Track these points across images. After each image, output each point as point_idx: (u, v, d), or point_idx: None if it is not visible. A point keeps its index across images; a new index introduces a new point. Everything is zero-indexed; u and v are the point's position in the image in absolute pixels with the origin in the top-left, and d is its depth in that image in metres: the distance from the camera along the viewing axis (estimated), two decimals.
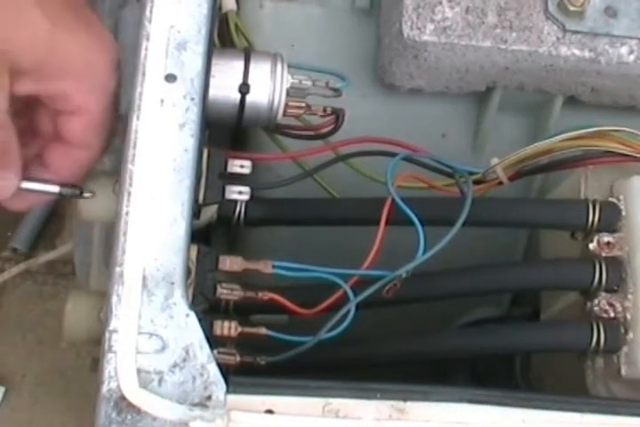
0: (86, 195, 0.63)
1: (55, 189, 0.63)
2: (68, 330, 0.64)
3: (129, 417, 0.54)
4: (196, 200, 0.59)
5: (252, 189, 0.65)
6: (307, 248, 0.71)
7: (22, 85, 0.59)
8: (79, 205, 0.65)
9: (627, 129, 0.69)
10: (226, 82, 0.63)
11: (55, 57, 0.58)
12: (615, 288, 0.67)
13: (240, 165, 0.64)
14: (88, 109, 0.61)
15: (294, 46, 0.79)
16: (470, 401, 0.57)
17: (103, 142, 0.63)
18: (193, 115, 0.59)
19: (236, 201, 0.66)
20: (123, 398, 0.54)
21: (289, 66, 0.64)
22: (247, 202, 0.66)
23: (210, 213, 0.65)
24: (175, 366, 0.55)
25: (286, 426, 0.55)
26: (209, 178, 0.63)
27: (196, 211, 0.59)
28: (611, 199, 0.69)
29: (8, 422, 1.34)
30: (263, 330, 0.62)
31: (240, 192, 0.64)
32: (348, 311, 0.61)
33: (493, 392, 0.58)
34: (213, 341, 0.57)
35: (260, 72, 0.63)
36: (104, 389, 0.54)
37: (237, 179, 0.64)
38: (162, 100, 0.59)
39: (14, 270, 1.40)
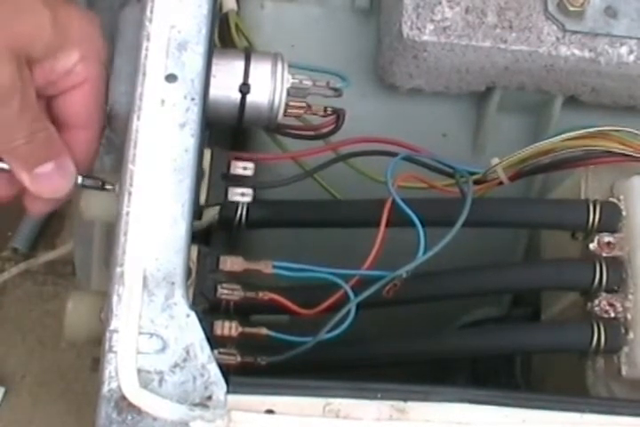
0: (108, 187, 0.63)
1: (77, 180, 0.63)
2: (69, 330, 0.64)
3: (129, 417, 0.54)
4: (196, 200, 0.59)
5: (254, 190, 0.65)
6: (307, 248, 0.71)
7: (38, 74, 0.60)
8: (80, 204, 0.65)
9: (627, 129, 0.69)
10: (226, 82, 0.63)
11: (60, 36, 0.60)
12: (616, 288, 0.67)
13: (243, 167, 0.64)
14: (90, 79, 0.62)
15: (294, 46, 0.79)
16: (470, 401, 0.57)
17: (102, 118, 0.64)
18: (193, 115, 0.59)
19: (237, 203, 0.66)
20: (123, 398, 0.54)
21: (289, 66, 0.64)
22: (249, 204, 0.66)
23: (211, 214, 0.65)
24: (176, 366, 0.55)
25: (287, 426, 0.55)
26: (212, 179, 0.63)
27: (196, 211, 0.59)
28: (611, 199, 0.69)
29: (8, 422, 1.34)
30: (264, 330, 0.62)
31: (243, 194, 0.64)
32: (349, 311, 0.61)
33: (494, 392, 0.58)
34: (214, 341, 0.57)
35: (261, 72, 0.63)
36: (104, 389, 0.54)
37: (239, 180, 0.64)
38: (162, 101, 0.59)
39: (14, 270, 1.40)
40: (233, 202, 0.65)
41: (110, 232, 0.60)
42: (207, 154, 0.63)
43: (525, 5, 0.73)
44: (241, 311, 0.63)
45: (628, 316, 0.66)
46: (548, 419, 0.57)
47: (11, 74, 0.58)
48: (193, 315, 0.56)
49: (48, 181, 0.62)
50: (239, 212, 0.66)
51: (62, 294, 1.39)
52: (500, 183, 0.71)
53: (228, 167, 0.64)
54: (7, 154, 0.61)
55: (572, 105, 0.78)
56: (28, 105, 0.59)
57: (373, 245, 0.63)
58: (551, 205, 0.73)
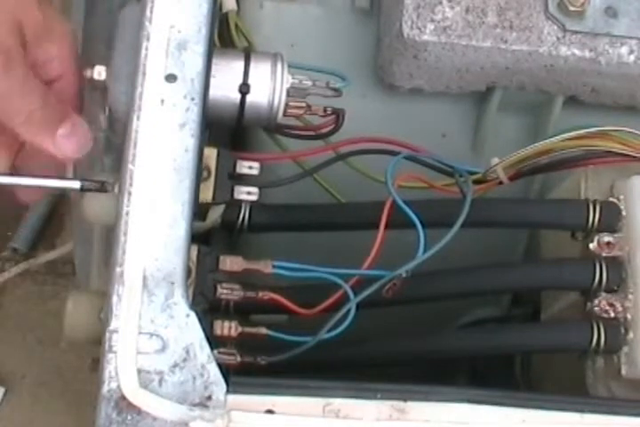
0: (108, 188, 0.63)
1: (76, 184, 0.63)
2: (69, 330, 0.64)
3: (129, 417, 0.54)
4: (196, 200, 0.59)
5: (260, 189, 0.65)
6: (307, 248, 0.71)
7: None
8: (82, 208, 0.65)
9: (627, 129, 0.69)
10: (226, 82, 0.63)
11: (44, 25, 0.63)
12: (615, 288, 0.67)
13: (249, 167, 0.64)
14: (66, 74, 0.64)
15: (294, 46, 0.79)
16: (470, 401, 0.57)
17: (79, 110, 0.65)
18: (193, 115, 0.59)
19: (240, 207, 0.66)
20: (123, 398, 0.54)
21: (289, 66, 0.64)
22: (251, 208, 0.66)
23: (215, 214, 0.65)
24: (175, 366, 0.55)
25: (287, 426, 0.55)
26: (218, 178, 0.63)
27: (197, 211, 0.59)
28: (611, 199, 0.69)
29: (8, 422, 1.34)
30: (263, 330, 0.62)
31: (249, 193, 0.64)
32: (349, 311, 0.61)
33: (493, 392, 0.58)
34: (214, 341, 0.57)
35: (261, 72, 0.63)
36: (104, 389, 0.54)
37: (245, 179, 0.65)
38: (162, 101, 0.59)
39: (14, 270, 1.40)
40: (237, 203, 0.65)
41: (110, 232, 0.60)
42: (213, 153, 0.63)
43: (526, 5, 0.73)
44: (241, 311, 0.63)
45: (628, 316, 0.66)
46: (548, 419, 0.57)
47: (15, 43, 0.60)
48: (193, 315, 0.56)
49: (71, 140, 0.62)
50: (241, 215, 0.66)
51: (62, 293, 1.39)
52: (500, 183, 0.71)
53: (234, 166, 0.64)
54: (25, 124, 0.62)
55: (572, 105, 0.78)
56: (30, 72, 0.61)
57: (373, 245, 0.63)
58: (551, 205, 0.73)
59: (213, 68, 0.62)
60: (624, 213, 0.68)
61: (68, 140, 0.62)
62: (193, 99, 0.59)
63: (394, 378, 0.59)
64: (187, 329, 0.56)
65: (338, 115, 0.67)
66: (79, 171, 0.77)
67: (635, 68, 0.74)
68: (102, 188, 0.63)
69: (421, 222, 0.63)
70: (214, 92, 0.62)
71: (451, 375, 0.84)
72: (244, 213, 0.67)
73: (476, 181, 0.70)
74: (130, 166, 0.58)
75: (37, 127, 0.62)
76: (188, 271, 0.59)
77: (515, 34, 0.73)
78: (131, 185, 0.58)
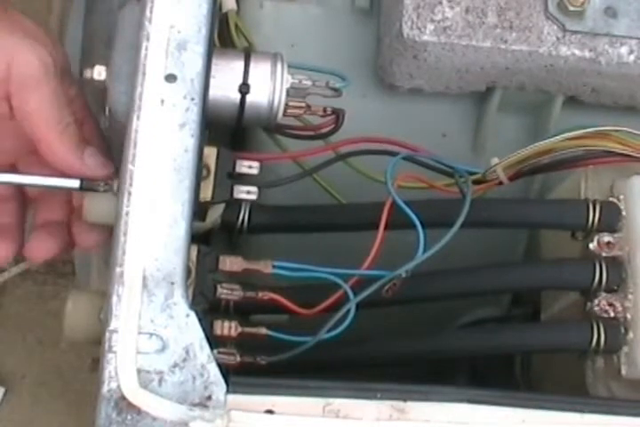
0: (107, 188, 0.63)
1: (75, 183, 0.63)
2: (69, 330, 0.64)
3: (129, 417, 0.54)
4: (196, 200, 0.59)
5: (259, 189, 0.65)
6: (307, 248, 0.71)
7: None
8: (83, 209, 0.65)
9: (627, 129, 0.69)
10: (226, 82, 0.63)
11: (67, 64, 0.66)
12: (615, 288, 0.67)
13: (248, 166, 0.64)
14: (87, 121, 0.67)
15: (294, 46, 0.79)
16: (470, 401, 0.57)
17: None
18: (193, 115, 0.59)
19: (239, 208, 0.66)
20: (123, 398, 0.54)
21: (289, 66, 0.64)
22: (251, 209, 0.66)
23: (215, 215, 0.65)
24: (175, 366, 0.55)
25: (287, 426, 0.55)
26: (217, 177, 0.63)
27: (197, 211, 0.59)
28: (611, 199, 0.69)
29: (8, 422, 1.34)
30: (263, 330, 0.62)
31: (248, 192, 0.64)
32: (348, 311, 0.61)
33: (493, 392, 0.58)
34: (213, 341, 0.57)
35: (260, 72, 0.63)
36: (104, 389, 0.54)
37: (244, 178, 0.65)
38: (162, 101, 0.59)
39: (14, 270, 1.40)
40: (236, 202, 0.65)
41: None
42: (213, 152, 0.63)
43: (525, 5, 0.73)
44: (241, 311, 0.63)
45: (628, 316, 0.66)
46: (548, 419, 0.57)
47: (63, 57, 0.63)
48: (192, 315, 0.56)
49: (96, 159, 0.64)
50: (241, 216, 0.66)
51: (62, 293, 1.39)
52: (500, 183, 0.71)
53: (234, 166, 0.64)
54: (58, 139, 0.63)
55: (572, 105, 0.78)
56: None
57: (373, 245, 0.63)
58: (551, 205, 0.73)
59: (213, 68, 0.62)
60: (624, 213, 0.68)
61: (94, 159, 0.64)
62: (193, 99, 0.59)
63: (394, 378, 0.59)
64: (187, 329, 0.56)
65: (338, 115, 0.67)
66: None
67: (635, 68, 0.74)
68: (102, 187, 0.63)
69: (421, 223, 0.63)
70: (214, 92, 0.62)
71: (451, 375, 0.84)
72: (244, 214, 0.67)
73: (476, 181, 0.70)
74: (130, 166, 0.58)
75: (71, 142, 0.63)
76: (188, 271, 0.59)
77: (515, 34, 0.73)
78: (131, 185, 0.58)
